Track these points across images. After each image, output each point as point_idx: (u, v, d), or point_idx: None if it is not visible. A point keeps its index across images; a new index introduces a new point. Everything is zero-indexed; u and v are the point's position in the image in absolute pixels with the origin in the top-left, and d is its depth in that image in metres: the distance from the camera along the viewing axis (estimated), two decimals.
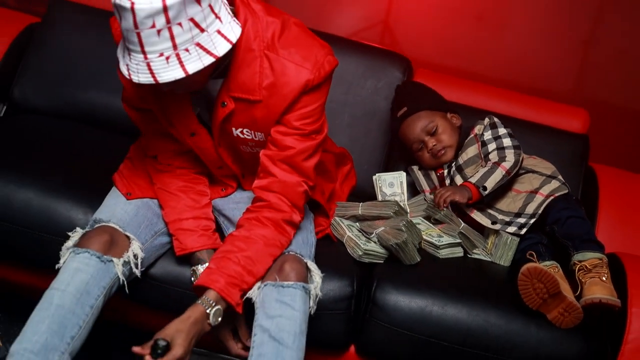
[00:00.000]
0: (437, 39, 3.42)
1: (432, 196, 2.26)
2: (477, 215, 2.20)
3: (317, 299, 1.77)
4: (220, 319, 1.66)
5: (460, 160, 2.32)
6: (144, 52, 1.48)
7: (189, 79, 1.53)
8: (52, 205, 1.94)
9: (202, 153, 1.87)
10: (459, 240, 2.11)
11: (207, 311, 1.63)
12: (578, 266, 1.99)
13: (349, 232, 2.06)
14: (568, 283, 1.96)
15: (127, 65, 1.53)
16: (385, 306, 1.92)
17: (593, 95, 4.17)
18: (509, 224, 2.16)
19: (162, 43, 1.47)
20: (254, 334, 1.69)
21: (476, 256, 2.15)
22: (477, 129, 2.36)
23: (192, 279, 1.81)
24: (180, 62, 1.50)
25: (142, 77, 1.51)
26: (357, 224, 2.13)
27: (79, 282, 1.66)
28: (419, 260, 2.02)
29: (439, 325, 1.91)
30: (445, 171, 2.35)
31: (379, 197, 2.29)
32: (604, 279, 1.94)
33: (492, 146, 2.28)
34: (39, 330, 1.59)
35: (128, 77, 1.52)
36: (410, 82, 2.57)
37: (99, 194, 1.94)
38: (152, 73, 1.49)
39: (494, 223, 2.17)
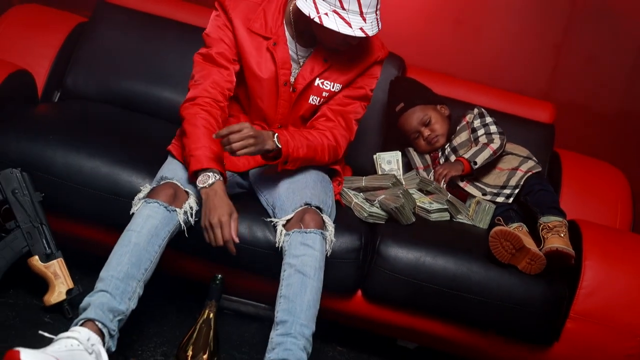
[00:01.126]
0: (419, 42, 3.68)
1: (424, 173, 2.72)
2: (469, 189, 2.66)
3: (332, 243, 2.21)
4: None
5: (455, 143, 2.78)
6: (362, 14, 2.18)
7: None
8: (116, 171, 2.34)
9: (281, 101, 2.39)
10: (446, 207, 2.56)
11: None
12: (542, 226, 2.45)
13: (355, 199, 2.50)
14: (533, 240, 2.41)
15: (350, 26, 2.17)
16: (387, 257, 2.36)
17: (562, 96, 4.54)
18: (497, 195, 2.63)
19: (371, 14, 2.19)
20: (283, 270, 2.13)
21: (460, 220, 2.61)
22: (468, 117, 2.82)
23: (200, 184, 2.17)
24: (376, 26, 2.22)
25: (370, 29, 2.20)
26: (361, 194, 2.57)
27: (150, 226, 2.08)
28: (414, 220, 2.47)
29: (431, 273, 2.35)
30: (440, 153, 2.81)
31: (379, 172, 2.74)
32: (562, 235, 2.40)
33: (481, 132, 2.74)
34: (121, 261, 2.01)
35: (348, 30, 2.17)
36: (404, 78, 3.01)
37: (152, 163, 2.36)
38: (363, 31, 2.19)
39: (484, 194, 2.63)
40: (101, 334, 1.90)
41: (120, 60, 2.93)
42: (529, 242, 2.36)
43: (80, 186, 2.34)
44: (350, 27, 2.17)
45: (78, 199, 2.35)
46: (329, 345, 2.51)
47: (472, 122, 2.79)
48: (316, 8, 2.17)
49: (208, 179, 2.17)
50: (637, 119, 8.97)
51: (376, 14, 2.24)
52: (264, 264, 2.31)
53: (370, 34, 2.21)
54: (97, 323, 1.91)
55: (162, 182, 2.20)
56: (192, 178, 2.19)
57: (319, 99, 2.40)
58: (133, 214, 2.14)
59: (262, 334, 2.31)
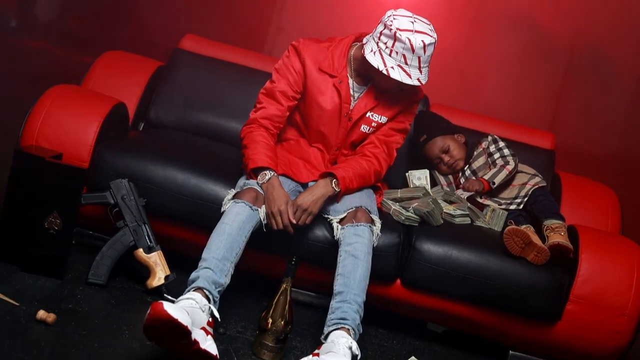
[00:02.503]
0: (428, 88, 4.30)
1: (447, 188, 3.29)
2: (487, 202, 3.23)
3: (378, 237, 2.78)
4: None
5: (474, 167, 3.36)
6: (420, 68, 2.78)
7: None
8: (202, 182, 2.92)
9: (342, 130, 2.98)
10: (467, 212, 3.14)
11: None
12: (546, 227, 3.02)
13: (393, 206, 3.07)
14: (539, 238, 2.98)
15: (410, 77, 2.77)
16: (421, 251, 2.93)
17: (561, 140, 5.05)
18: (509, 204, 3.20)
19: (425, 67, 2.79)
20: (339, 255, 2.69)
21: (479, 224, 3.17)
22: (484, 144, 3.41)
23: (259, 181, 2.79)
24: (427, 76, 2.82)
25: (424, 79, 2.81)
26: (398, 203, 3.14)
27: (239, 221, 2.65)
28: (442, 222, 3.04)
29: (457, 263, 2.92)
30: (460, 174, 3.39)
31: (411, 186, 3.31)
32: (562, 234, 2.97)
33: (497, 155, 3.33)
34: (219, 246, 2.57)
35: (409, 80, 2.78)
36: (426, 112, 3.60)
37: (226, 175, 2.94)
38: (419, 81, 2.80)
39: (499, 205, 3.21)
40: (208, 300, 2.46)
41: (194, 97, 3.53)
42: (536, 239, 2.93)
43: (174, 193, 2.91)
44: (410, 77, 2.78)
45: (173, 204, 2.92)
46: (372, 327, 3.04)
47: (488, 147, 3.37)
48: (384, 62, 2.77)
49: (265, 176, 2.80)
50: (631, 161, 9.60)
51: (428, 67, 2.83)
52: (320, 255, 2.88)
53: (424, 82, 2.82)
54: (205, 291, 2.48)
55: (245, 187, 2.78)
56: (251, 176, 2.80)
57: (369, 128, 2.99)
58: (224, 211, 2.72)
59: (316, 316, 2.87)
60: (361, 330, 2.59)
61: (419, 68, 2.79)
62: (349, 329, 2.52)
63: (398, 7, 2.79)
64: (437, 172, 3.42)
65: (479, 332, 3.10)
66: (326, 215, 2.87)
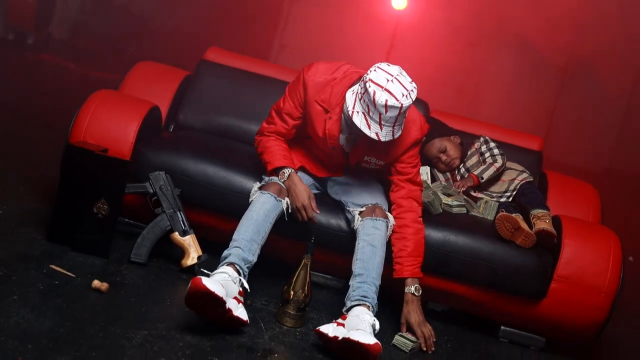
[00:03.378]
0: (437, 109, 4.29)
1: (446, 183, 3.69)
2: (480, 195, 3.63)
3: (391, 230, 3.17)
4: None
5: (468, 165, 3.75)
6: (392, 127, 2.90)
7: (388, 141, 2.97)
8: (230, 175, 3.32)
9: (334, 156, 3.26)
10: (463, 203, 3.54)
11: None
12: (533, 216, 3.42)
13: None
14: (527, 225, 3.38)
15: (369, 127, 2.89)
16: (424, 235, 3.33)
17: (554, 156, 5.38)
18: (500, 197, 3.60)
19: (388, 126, 2.90)
20: (358, 244, 3.08)
21: (474, 214, 3.57)
22: (477, 145, 3.81)
23: (280, 179, 3.13)
24: (390, 135, 2.93)
25: (383, 136, 2.90)
26: None
27: (265, 209, 3.04)
28: (441, 211, 3.44)
29: (454, 246, 3.31)
30: (456, 172, 3.78)
31: None
32: (547, 221, 3.36)
33: (487, 154, 3.73)
34: (247, 230, 2.97)
35: (367, 130, 2.89)
36: (427, 117, 4.00)
37: (250, 170, 3.34)
38: (377, 135, 2.90)
39: (492, 197, 3.61)
40: (238, 273, 2.85)
41: (217, 102, 3.93)
42: (524, 225, 3.33)
43: (206, 184, 3.31)
44: (369, 129, 2.88)
45: (204, 193, 3.32)
46: (380, 307, 3.42)
47: (480, 147, 3.77)
48: (354, 105, 2.92)
49: (284, 174, 3.17)
50: (621, 177, 9.99)
51: (393, 128, 2.89)
52: (335, 242, 3.26)
53: (382, 139, 2.90)
54: (235, 265, 2.87)
55: (270, 181, 3.17)
56: (272, 174, 3.17)
57: (370, 167, 3.26)
58: (251, 201, 3.11)
59: (330, 295, 3.26)
60: (377, 309, 2.97)
61: (379, 124, 2.87)
62: (369, 306, 2.91)
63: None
64: (436, 170, 3.81)
65: (474, 310, 3.49)
66: (348, 208, 3.25)
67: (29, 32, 9.86)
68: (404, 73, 2.92)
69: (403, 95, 2.84)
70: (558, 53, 11.10)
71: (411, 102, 2.88)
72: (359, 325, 2.77)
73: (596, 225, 3.57)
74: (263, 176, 3.26)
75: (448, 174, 3.79)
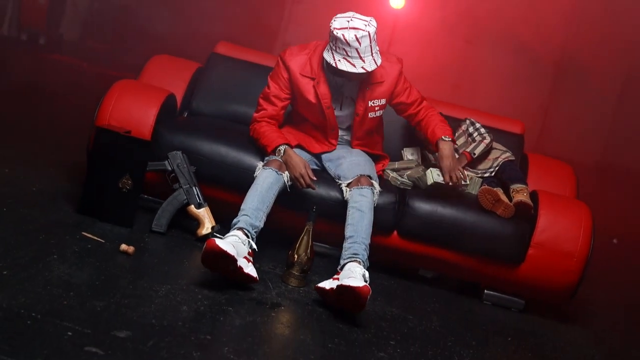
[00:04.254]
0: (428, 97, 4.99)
1: (435, 162, 4.08)
2: (468, 172, 4.01)
3: (377, 195, 3.54)
4: None
5: (456, 145, 4.13)
6: (361, 58, 3.38)
7: (368, 73, 3.46)
8: (240, 154, 3.70)
9: (328, 119, 3.67)
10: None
11: None
12: (512, 189, 3.80)
13: (392, 174, 3.86)
14: (507, 198, 3.76)
15: (354, 66, 3.38)
16: (413, 207, 3.70)
17: (549, 150, 5.65)
18: (485, 173, 3.98)
19: (368, 56, 3.38)
20: (348, 211, 3.44)
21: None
22: (464, 127, 4.18)
23: (277, 156, 3.53)
24: (374, 63, 3.40)
25: (369, 66, 3.38)
26: (395, 172, 3.92)
27: (268, 182, 3.42)
28: (429, 185, 3.82)
29: (442, 216, 3.69)
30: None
31: (405, 160, 4.09)
32: (525, 194, 3.75)
33: (475, 134, 4.10)
34: (253, 200, 3.34)
35: (354, 69, 3.38)
36: None
37: (258, 150, 3.72)
38: (364, 68, 3.39)
39: (477, 174, 3.99)
40: (247, 236, 3.23)
41: (227, 91, 4.32)
42: (504, 197, 3.71)
43: (218, 162, 3.70)
44: (355, 67, 3.38)
45: (217, 171, 3.70)
46: (376, 272, 3.77)
47: (467, 129, 4.15)
48: (333, 57, 3.42)
49: (280, 151, 3.56)
50: (613, 170, 10.35)
51: (372, 55, 3.39)
52: (331, 212, 3.62)
53: (369, 69, 3.40)
54: (244, 230, 3.25)
55: (272, 158, 3.55)
56: (272, 154, 3.55)
57: (374, 113, 3.72)
58: (255, 176, 3.49)
59: (330, 262, 3.63)
60: (368, 264, 3.34)
61: (360, 58, 3.37)
62: (360, 261, 3.29)
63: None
64: (426, 151, 4.19)
65: (460, 274, 3.88)
66: (337, 181, 3.64)
67: (40, 33, 10.27)
68: (357, 14, 3.43)
69: (365, 24, 3.36)
70: (550, 50, 11.48)
71: (375, 28, 3.39)
72: (351, 275, 3.14)
73: (569, 199, 3.95)
74: (266, 157, 3.64)
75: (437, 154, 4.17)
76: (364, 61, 3.39)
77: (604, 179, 10.14)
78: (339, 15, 3.41)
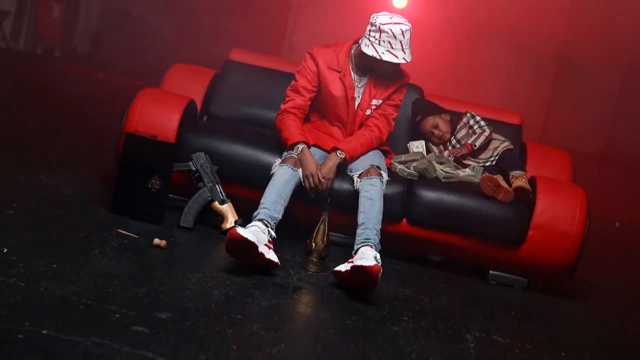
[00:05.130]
0: (431, 93, 4.88)
1: (439, 154, 4.37)
2: (470, 162, 4.30)
3: (385, 184, 3.83)
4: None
5: (458, 137, 4.41)
6: (403, 50, 3.75)
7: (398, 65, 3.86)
8: (258, 153, 3.99)
9: (351, 109, 3.99)
10: (453, 169, 4.20)
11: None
12: (511, 176, 4.09)
13: (399, 166, 4.15)
14: (506, 184, 4.05)
15: (397, 57, 3.75)
16: (420, 196, 3.99)
17: (554, 141, 5.84)
18: (486, 162, 4.27)
19: (407, 49, 3.76)
20: (360, 200, 3.73)
21: (462, 174, 4.22)
22: (464, 120, 4.47)
23: (294, 153, 3.82)
24: (410, 56, 3.78)
25: (408, 57, 3.77)
26: (402, 164, 4.21)
27: (285, 178, 3.71)
28: (434, 176, 4.11)
29: (447, 203, 3.98)
30: (448, 144, 4.44)
31: (411, 152, 4.39)
32: (523, 180, 4.03)
33: (476, 126, 4.39)
34: (272, 195, 3.63)
35: (397, 60, 3.76)
36: (420, 99, 4.65)
37: (274, 149, 4.00)
38: (405, 59, 3.76)
39: (478, 164, 4.28)
40: (266, 226, 3.53)
41: (243, 95, 4.62)
42: (504, 183, 4.00)
43: (238, 161, 4.00)
44: (397, 58, 3.74)
45: (237, 169, 4.00)
46: (387, 257, 4.07)
47: (468, 121, 4.44)
48: (376, 51, 3.78)
49: (298, 148, 3.84)
50: (616, 159, 10.61)
51: (409, 49, 3.76)
52: (345, 202, 3.90)
53: (409, 60, 3.76)
54: (264, 221, 3.54)
55: (288, 156, 3.85)
56: (290, 149, 3.84)
57: (370, 110, 4.03)
58: (272, 173, 3.79)
59: (345, 250, 3.92)
60: (380, 248, 3.63)
61: (402, 50, 3.74)
62: (371, 245, 3.58)
63: (399, 28, 3.81)
64: (430, 144, 4.48)
65: (466, 257, 4.16)
66: (349, 173, 3.94)
67: (55, 46, 10.61)
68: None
69: (405, 20, 3.77)
70: (551, 45, 11.73)
71: None
72: (363, 257, 3.43)
73: (565, 183, 4.24)
74: (283, 153, 3.93)
75: (441, 146, 4.46)
76: (404, 53, 3.76)
77: (607, 167, 10.39)
78: (378, 14, 3.77)
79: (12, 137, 5.26)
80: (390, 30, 3.71)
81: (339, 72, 3.97)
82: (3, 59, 9.32)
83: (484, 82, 11.81)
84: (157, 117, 4.02)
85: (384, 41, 3.74)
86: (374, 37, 3.76)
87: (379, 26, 3.73)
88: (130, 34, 11.21)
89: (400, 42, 3.74)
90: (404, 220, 4.05)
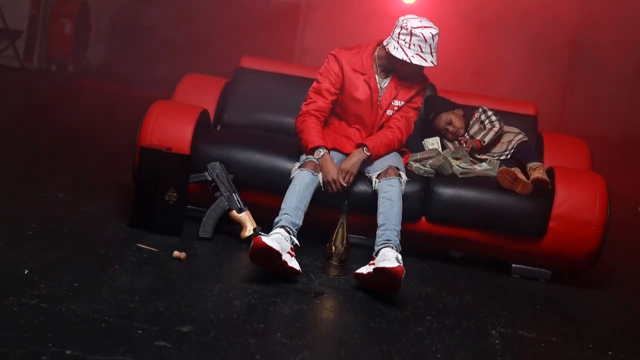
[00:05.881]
0: (443, 89, 4.86)
1: (454, 149, 4.34)
2: (484, 157, 4.27)
3: (404, 185, 3.82)
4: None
5: (471, 133, 4.39)
6: (431, 54, 3.77)
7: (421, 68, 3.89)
8: (273, 159, 3.99)
9: (375, 111, 3.98)
10: (469, 164, 4.17)
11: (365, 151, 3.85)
12: (529, 168, 4.06)
13: (415, 164, 4.13)
14: (524, 176, 4.02)
15: (425, 60, 3.77)
16: (437, 192, 3.97)
17: (572, 128, 5.79)
18: (501, 156, 4.24)
19: (435, 52, 3.76)
20: (379, 201, 3.72)
21: (479, 169, 4.19)
22: (477, 115, 4.45)
23: (315, 157, 3.81)
24: (436, 59, 3.78)
25: (435, 61, 3.77)
26: (418, 162, 4.19)
27: (305, 183, 3.70)
28: (451, 172, 4.08)
29: (465, 199, 3.95)
30: (463, 140, 4.42)
31: (426, 150, 4.36)
32: (541, 171, 4.00)
33: (486, 121, 4.36)
34: (292, 200, 3.63)
35: (425, 64, 3.78)
36: (432, 95, 4.62)
37: (289, 154, 3.99)
38: (432, 63, 3.77)
39: (492, 157, 4.25)
40: (289, 233, 3.53)
41: (255, 102, 4.62)
42: (521, 176, 3.97)
43: (254, 168, 4.00)
44: (426, 61, 3.75)
45: (253, 176, 4.00)
46: (409, 256, 4.04)
47: (480, 116, 4.41)
48: (406, 54, 3.74)
49: (320, 153, 3.83)
50: (637, 141, 10.48)
51: (437, 53, 3.77)
52: (364, 203, 3.89)
53: (435, 63, 3.77)
54: (286, 228, 3.54)
55: (307, 160, 3.84)
56: (310, 152, 3.84)
57: (392, 112, 4.01)
58: (292, 177, 3.78)
59: (366, 252, 3.90)
60: (401, 249, 3.62)
61: (431, 53, 3.76)
62: (392, 246, 3.56)
63: (430, 32, 3.77)
64: (445, 140, 4.46)
65: (488, 252, 4.13)
66: (368, 174, 3.93)
67: (68, 61, 10.68)
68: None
69: (433, 25, 3.78)
70: (565, 30, 11.65)
71: None
72: (385, 258, 3.42)
73: (584, 171, 4.20)
74: (301, 156, 3.92)
75: (456, 142, 4.43)
76: (432, 56, 3.78)
77: (628, 150, 10.29)
78: (407, 17, 3.79)
79: (29, 157, 5.30)
80: (422, 34, 3.72)
81: (363, 74, 3.97)
82: (17, 79, 9.40)
83: (498, 72, 11.75)
84: (171, 129, 4.03)
85: (414, 45, 3.75)
86: (404, 40, 3.76)
87: (410, 30, 3.73)
88: (143, 46, 11.26)
89: (430, 45, 3.75)
90: (423, 218, 4.04)
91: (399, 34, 3.80)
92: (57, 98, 8.62)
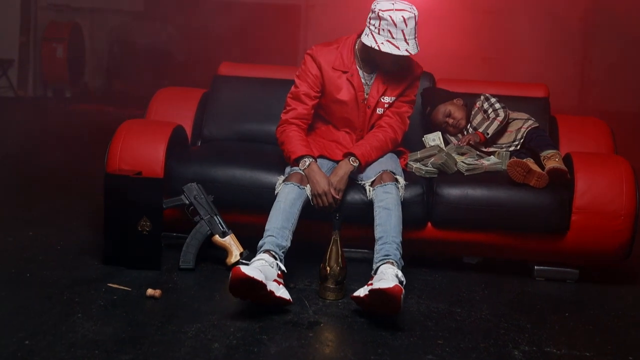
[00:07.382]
0: (455, 78, 4.55)
1: (458, 143, 3.90)
2: (491, 149, 3.83)
3: (403, 190, 3.39)
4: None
5: (474, 124, 3.95)
6: (406, 40, 3.30)
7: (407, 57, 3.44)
8: (256, 173, 3.59)
9: (354, 113, 3.57)
10: (477, 159, 3.73)
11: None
12: (543, 157, 3.61)
13: (415, 165, 3.70)
14: (538, 167, 3.57)
15: (398, 48, 3.30)
16: (442, 194, 3.54)
17: (593, 106, 5.43)
18: (509, 147, 3.79)
19: (412, 39, 3.31)
20: (375, 211, 3.30)
21: (487, 163, 3.74)
22: (479, 104, 4.00)
23: (300, 168, 3.39)
24: (416, 48, 3.33)
25: (412, 49, 3.32)
26: (419, 162, 3.76)
27: (291, 198, 3.30)
28: (455, 170, 3.65)
29: (473, 198, 3.52)
30: (465, 132, 3.98)
31: (427, 147, 3.93)
32: (557, 160, 3.55)
33: (490, 110, 3.92)
34: (278, 219, 3.22)
35: (397, 52, 3.31)
36: (427, 88, 4.17)
37: (274, 166, 3.58)
38: (408, 51, 3.32)
39: (501, 148, 3.81)
40: (274, 258, 3.11)
41: (236, 111, 4.21)
42: (535, 167, 3.52)
43: (235, 186, 3.59)
44: (399, 49, 3.29)
45: (235, 195, 3.60)
46: (416, 268, 3.63)
47: (482, 105, 3.97)
48: (375, 40, 3.35)
49: (305, 163, 3.41)
50: None
51: (415, 40, 3.33)
52: (359, 215, 3.48)
53: (413, 53, 3.33)
54: (271, 252, 3.13)
55: (292, 172, 3.43)
56: (294, 164, 3.42)
57: (383, 109, 3.59)
58: (277, 193, 3.37)
59: (366, 267, 3.47)
60: (402, 264, 3.19)
61: (405, 40, 3.30)
62: (392, 262, 3.14)
63: (401, 15, 3.36)
64: (447, 135, 4.02)
65: (507, 255, 3.70)
66: (360, 182, 3.50)
67: (65, 86, 10.37)
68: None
69: (410, 7, 3.33)
70: (576, 6, 11.15)
71: (418, 13, 3.35)
72: (382, 277, 3.00)
73: (605, 155, 3.75)
74: (286, 168, 3.51)
75: (459, 135, 4.00)
76: (408, 44, 3.32)
77: None
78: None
79: (3, 193, 4.94)
80: (390, 17, 3.28)
81: (345, 72, 3.55)
82: (11, 109, 9.09)
83: (509, 55, 11.32)
84: (141, 150, 3.65)
85: (383, 30, 3.32)
86: (374, 24, 3.35)
87: (378, 13, 3.31)
88: (141, 64, 10.94)
89: (402, 31, 3.30)
90: (429, 224, 3.62)
91: (370, 18, 3.41)
92: (53, 123, 8.31)
